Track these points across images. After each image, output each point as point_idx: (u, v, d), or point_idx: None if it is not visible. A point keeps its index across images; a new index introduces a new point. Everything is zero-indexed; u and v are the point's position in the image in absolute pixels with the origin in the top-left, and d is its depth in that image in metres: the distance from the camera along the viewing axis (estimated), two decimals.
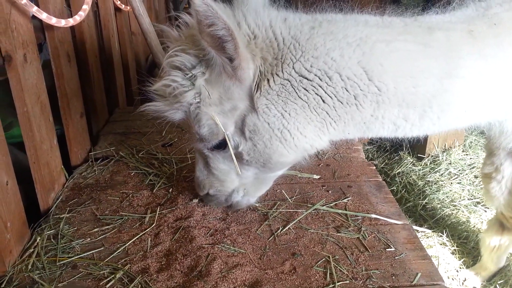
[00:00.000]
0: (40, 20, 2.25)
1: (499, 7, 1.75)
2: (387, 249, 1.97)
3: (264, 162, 1.82)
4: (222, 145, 1.82)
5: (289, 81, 1.64)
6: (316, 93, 1.65)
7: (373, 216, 2.19)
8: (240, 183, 2.02)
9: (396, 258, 1.92)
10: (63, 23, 2.21)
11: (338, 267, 1.86)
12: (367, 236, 2.06)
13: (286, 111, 1.67)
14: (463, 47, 1.65)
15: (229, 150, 1.81)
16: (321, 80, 1.63)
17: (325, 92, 1.65)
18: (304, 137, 1.74)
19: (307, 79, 1.63)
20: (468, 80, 1.66)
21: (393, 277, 1.81)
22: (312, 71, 1.62)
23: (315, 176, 2.55)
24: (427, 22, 1.73)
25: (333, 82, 1.63)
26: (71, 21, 2.29)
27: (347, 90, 1.64)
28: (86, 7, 2.52)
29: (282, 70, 1.63)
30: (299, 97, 1.66)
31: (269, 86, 1.64)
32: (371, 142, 4.85)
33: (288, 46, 1.63)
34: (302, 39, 1.63)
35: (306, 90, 1.64)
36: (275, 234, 2.07)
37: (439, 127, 1.81)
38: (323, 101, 1.66)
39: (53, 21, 2.14)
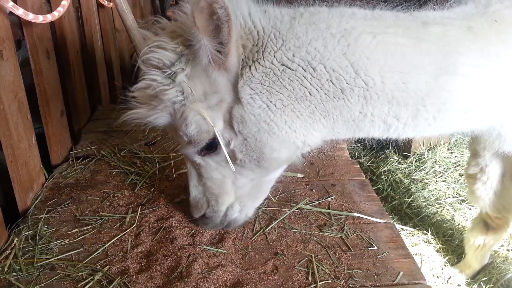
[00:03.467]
0: (18, 16, 2.19)
1: (499, 4, 1.70)
2: (369, 248, 1.96)
3: (257, 159, 1.74)
4: (213, 146, 1.74)
5: (272, 70, 1.60)
6: (301, 84, 1.60)
7: (356, 215, 2.18)
8: (235, 197, 1.93)
9: (378, 257, 1.91)
10: (40, 19, 2.16)
11: (320, 266, 1.85)
12: (349, 235, 2.05)
13: (271, 101, 1.62)
14: (463, 43, 1.59)
15: (221, 149, 1.73)
16: (304, 70, 1.59)
17: (310, 84, 1.60)
18: (294, 132, 1.68)
19: (290, 68, 1.59)
20: (468, 78, 1.60)
21: (375, 276, 1.80)
22: (294, 60, 1.58)
23: (299, 175, 2.53)
24: (422, 17, 1.68)
25: (318, 74, 1.59)
26: (49, 17, 2.23)
27: (332, 83, 1.60)
28: (65, 2, 2.46)
29: (263, 58, 1.59)
30: (284, 87, 1.61)
31: (251, 74, 1.60)
32: (357, 141, 4.86)
33: (268, 34, 1.61)
34: (283, 29, 1.60)
35: (290, 80, 1.60)
36: (258, 233, 2.05)
37: (436, 129, 1.73)
38: (310, 93, 1.62)
39: (30, 17, 2.09)
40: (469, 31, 1.61)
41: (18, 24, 2.40)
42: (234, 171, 1.79)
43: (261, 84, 1.61)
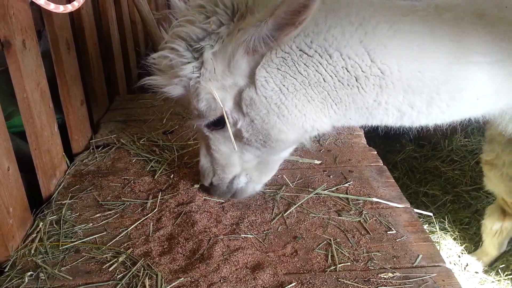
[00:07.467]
0: (38, 6, 2.23)
1: None
2: (388, 232, 1.97)
3: (263, 139, 1.80)
4: (220, 123, 1.80)
5: (290, 55, 1.63)
6: (316, 70, 1.63)
7: (374, 199, 2.19)
8: (242, 168, 1.99)
9: (397, 240, 1.92)
10: (61, 9, 2.19)
11: (340, 249, 1.87)
12: (368, 219, 2.06)
13: (284, 85, 1.65)
14: (475, 31, 1.59)
15: (227, 128, 1.79)
16: (321, 57, 1.61)
17: (325, 71, 1.62)
18: (303, 116, 1.71)
19: (307, 54, 1.61)
20: (480, 65, 1.60)
21: (394, 258, 1.82)
22: (312, 46, 1.60)
23: (316, 162, 2.55)
24: (435, 3, 1.67)
25: (333, 61, 1.60)
26: (69, 7, 2.27)
27: (347, 71, 1.61)
28: None
29: (283, 43, 1.61)
30: (299, 72, 1.64)
31: (270, 58, 1.63)
32: (372, 129, 4.83)
33: None
34: None
35: (306, 65, 1.62)
36: (277, 218, 2.08)
37: (449, 116, 1.74)
38: (324, 79, 1.64)
39: (51, 7, 2.12)
40: (480, 19, 1.60)
41: (39, 14, 2.44)
42: (240, 147, 1.88)
43: (277, 69, 1.64)
